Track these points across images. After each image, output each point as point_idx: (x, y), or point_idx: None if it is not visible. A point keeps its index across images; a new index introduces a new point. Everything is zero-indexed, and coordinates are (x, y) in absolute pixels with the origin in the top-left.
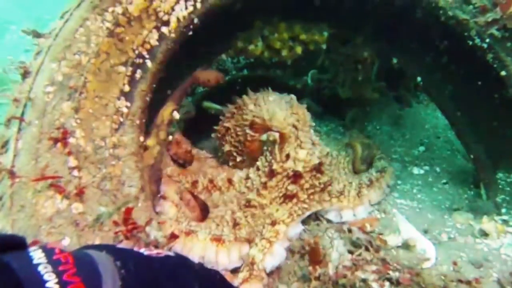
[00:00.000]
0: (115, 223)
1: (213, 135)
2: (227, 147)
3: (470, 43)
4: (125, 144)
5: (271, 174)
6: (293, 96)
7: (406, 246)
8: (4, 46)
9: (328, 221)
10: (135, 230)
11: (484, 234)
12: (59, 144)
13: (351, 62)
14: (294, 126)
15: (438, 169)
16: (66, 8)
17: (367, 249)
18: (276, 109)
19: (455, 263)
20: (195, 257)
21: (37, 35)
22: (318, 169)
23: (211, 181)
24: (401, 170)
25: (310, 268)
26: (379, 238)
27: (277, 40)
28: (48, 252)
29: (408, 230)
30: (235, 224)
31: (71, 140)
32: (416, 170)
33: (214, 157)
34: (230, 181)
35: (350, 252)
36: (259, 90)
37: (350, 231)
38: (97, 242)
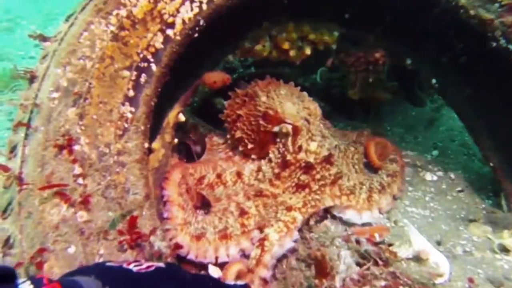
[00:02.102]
0: (120, 232)
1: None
2: (238, 134)
3: (494, 44)
4: (130, 151)
5: (285, 164)
6: (305, 93)
7: (417, 259)
8: (15, 41)
9: (340, 220)
10: (139, 239)
11: (505, 249)
12: (64, 152)
13: (362, 63)
14: (306, 120)
15: (452, 176)
16: (71, 10)
17: (375, 263)
18: (289, 103)
19: (471, 280)
20: (211, 260)
21: (43, 38)
22: (328, 160)
23: (219, 175)
24: (413, 175)
25: (316, 280)
26: (388, 250)
27: (285, 40)
28: (37, 283)
29: (419, 242)
30: (242, 213)
31: (76, 147)
32: (429, 176)
33: (224, 143)
34: (239, 174)
35: (358, 264)
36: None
37: (358, 242)
38: (101, 251)
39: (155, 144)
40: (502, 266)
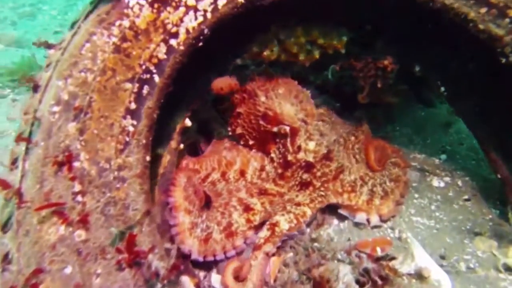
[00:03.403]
0: (118, 250)
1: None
2: (239, 130)
3: (503, 60)
4: (131, 165)
5: (287, 164)
6: (304, 91)
7: (419, 275)
8: (35, 28)
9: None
10: (138, 258)
11: (509, 269)
12: (63, 168)
13: (370, 68)
14: (304, 121)
15: (460, 183)
16: (77, 16)
17: (374, 284)
18: (287, 104)
19: None
20: (221, 257)
21: (48, 46)
22: (327, 157)
23: (223, 174)
24: (419, 180)
25: None
26: (388, 267)
27: (294, 44)
28: None
29: (422, 257)
30: (247, 209)
31: (76, 163)
32: (436, 182)
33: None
34: (242, 172)
35: (358, 282)
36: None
37: (359, 257)
38: (99, 270)
39: (161, 150)
40: (505, 287)
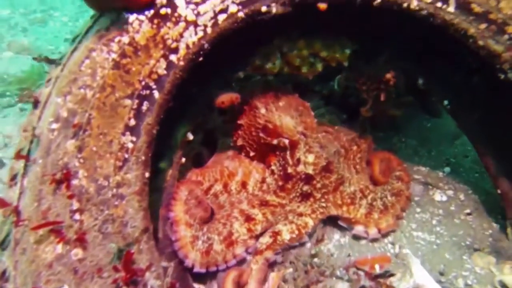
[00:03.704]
0: (115, 269)
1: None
2: (240, 141)
3: (502, 76)
4: (129, 182)
5: (287, 177)
6: (304, 103)
7: None
8: (46, 35)
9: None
10: (135, 276)
11: (505, 286)
12: (61, 186)
13: (373, 82)
14: (303, 134)
15: (462, 196)
16: (77, 31)
17: None
18: (287, 117)
19: None
20: (223, 267)
21: (48, 61)
22: (327, 169)
23: (225, 185)
24: (422, 194)
25: None
26: (386, 285)
27: (297, 57)
28: None
29: (420, 274)
30: (249, 219)
31: (74, 181)
32: (438, 196)
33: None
34: (244, 184)
35: None
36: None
37: (357, 275)
38: None
39: (163, 164)
40: None
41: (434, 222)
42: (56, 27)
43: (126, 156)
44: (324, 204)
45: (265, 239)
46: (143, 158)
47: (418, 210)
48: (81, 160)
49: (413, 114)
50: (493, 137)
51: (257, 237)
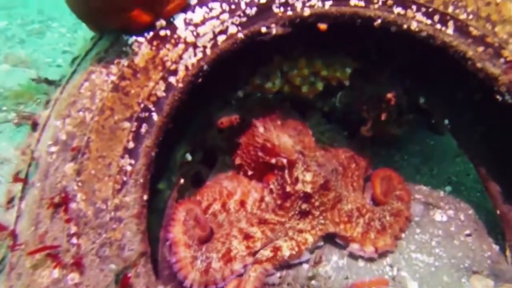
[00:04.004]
0: None
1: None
2: (238, 160)
3: (500, 98)
4: (128, 205)
5: (286, 195)
6: (302, 123)
7: None
8: (43, 47)
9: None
10: None
11: None
12: (59, 210)
13: (374, 101)
14: (301, 153)
15: (462, 217)
16: (77, 52)
17: None
18: (286, 136)
19: None
20: (221, 285)
21: (48, 82)
22: (325, 187)
23: (223, 204)
24: (423, 214)
25: None
26: None
27: (297, 76)
28: None
29: None
30: (247, 237)
31: (72, 205)
32: (438, 216)
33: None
34: (242, 203)
35: None
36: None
37: None
38: None
39: (161, 185)
40: None
41: (433, 243)
42: (54, 39)
43: (125, 179)
44: (322, 221)
45: (266, 252)
46: (141, 180)
47: (418, 231)
48: (80, 184)
49: (416, 131)
50: (494, 158)
51: (256, 253)
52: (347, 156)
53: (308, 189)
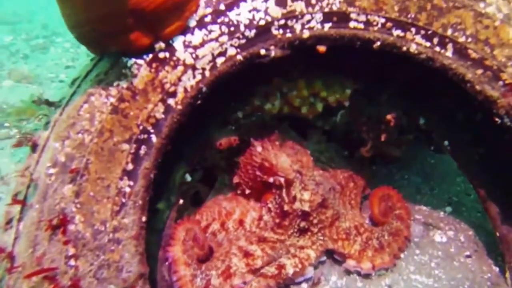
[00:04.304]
0: None
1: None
2: (236, 179)
3: (499, 121)
4: (126, 227)
5: (284, 214)
6: (299, 143)
7: None
8: (47, 62)
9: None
10: None
11: None
12: (57, 232)
13: (374, 122)
14: (299, 172)
15: (462, 238)
16: (77, 74)
17: None
18: (283, 156)
19: None
20: None
21: (48, 104)
22: (323, 205)
23: (222, 224)
24: (422, 235)
25: None
26: None
27: (296, 98)
28: None
29: None
30: (247, 255)
31: (70, 227)
32: (438, 237)
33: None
34: (241, 222)
35: None
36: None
37: None
38: None
39: (161, 205)
40: None
41: (433, 264)
42: (57, 54)
43: (124, 200)
44: (321, 238)
45: (271, 269)
46: (140, 202)
47: (417, 251)
48: (78, 205)
49: (417, 150)
50: (493, 179)
51: (256, 271)
52: (345, 176)
53: (306, 207)
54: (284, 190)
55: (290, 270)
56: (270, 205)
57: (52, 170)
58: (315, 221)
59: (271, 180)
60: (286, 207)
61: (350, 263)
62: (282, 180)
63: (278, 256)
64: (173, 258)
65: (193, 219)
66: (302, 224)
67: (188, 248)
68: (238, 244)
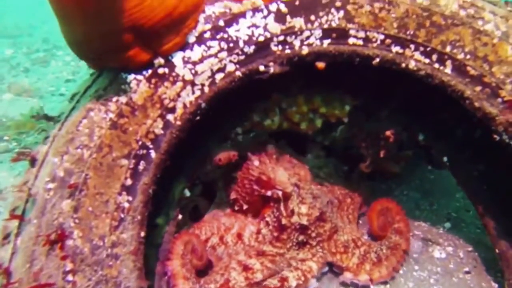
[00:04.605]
0: None
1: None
2: (233, 195)
3: (498, 138)
4: (125, 242)
5: (282, 228)
6: (298, 161)
7: None
8: (47, 75)
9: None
10: None
11: None
12: (55, 247)
13: (373, 138)
14: (296, 185)
15: (461, 254)
16: (76, 89)
17: None
18: (280, 169)
19: None
20: None
21: (47, 118)
22: (321, 218)
23: (221, 238)
24: (421, 251)
25: None
26: None
27: (296, 113)
28: None
29: None
30: (246, 269)
31: (69, 242)
32: (437, 253)
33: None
34: (239, 235)
35: None
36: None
37: None
38: None
39: (160, 220)
40: None
41: (431, 280)
42: (58, 67)
43: (122, 215)
44: (321, 250)
45: (274, 282)
46: (139, 217)
47: (416, 267)
48: (77, 220)
49: (416, 165)
50: (493, 196)
51: (255, 285)
52: (343, 193)
53: (304, 221)
54: (282, 204)
55: (293, 283)
56: (268, 219)
57: (50, 185)
58: (313, 234)
59: (268, 193)
60: (284, 221)
61: (347, 276)
62: (280, 193)
63: (280, 269)
64: (172, 272)
65: (192, 233)
66: (301, 237)
67: (187, 262)
68: (237, 258)
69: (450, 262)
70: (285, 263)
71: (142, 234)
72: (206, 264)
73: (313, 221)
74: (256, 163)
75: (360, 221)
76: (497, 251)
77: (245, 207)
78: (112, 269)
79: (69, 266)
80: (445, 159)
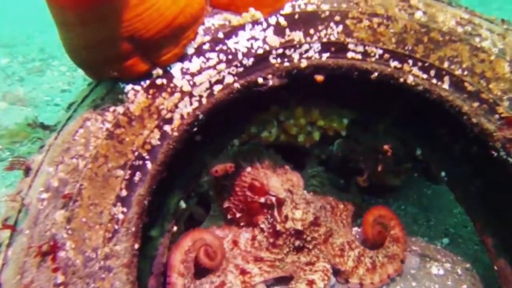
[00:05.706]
0: None
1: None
2: (226, 204)
3: (495, 154)
4: (118, 254)
5: (277, 234)
6: (289, 164)
7: None
8: (42, 85)
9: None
10: None
11: None
12: (47, 259)
13: (371, 152)
14: (289, 191)
15: (459, 270)
16: (74, 98)
17: None
18: (274, 175)
19: None
20: None
21: (43, 127)
22: (315, 223)
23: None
24: (419, 267)
25: None
26: None
27: (294, 126)
28: None
29: None
30: (243, 272)
31: (61, 253)
32: (435, 269)
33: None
34: (235, 242)
35: None
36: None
37: None
38: None
39: (154, 232)
40: None
41: None
42: (53, 77)
43: (116, 227)
44: (319, 252)
45: (302, 286)
46: (133, 229)
47: (414, 284)
48: (70, 231)
49: (414, 180)
50: (491, 212)
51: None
52: (335, 199)
53: (299, 226)
54: (275, 210)
55: (320, 284)
56: (262, 226)
57: (44, 195)
58: (308, 238)
59: (262, 200)
60: (278, 227)
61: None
62: (273, 199)
63: (286, 272)
64: (170, 263)
65: (207, 229)
66: (297, 242)
67: (189, 259)
68: (235, 262)
69: (448, 279)
70: (288, 266)
71: (136, 246)
72: (219, 265)
73: (307, 226)
74: (249, 169)
75: (354, 232)
76: (495, 268)
77: (238, 215)
78: (105, 282)
79: (60, 278)
80: (443, 174)
